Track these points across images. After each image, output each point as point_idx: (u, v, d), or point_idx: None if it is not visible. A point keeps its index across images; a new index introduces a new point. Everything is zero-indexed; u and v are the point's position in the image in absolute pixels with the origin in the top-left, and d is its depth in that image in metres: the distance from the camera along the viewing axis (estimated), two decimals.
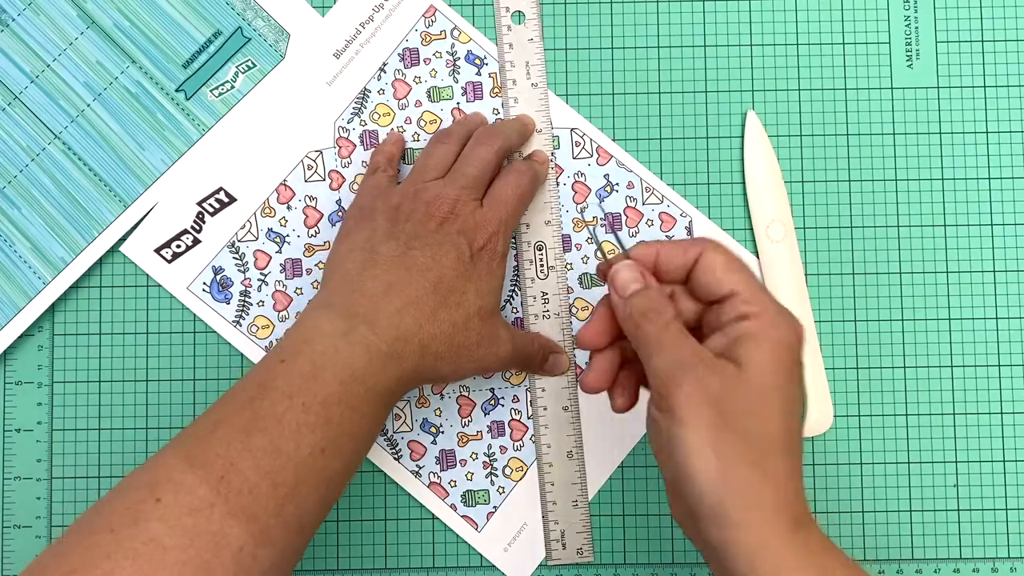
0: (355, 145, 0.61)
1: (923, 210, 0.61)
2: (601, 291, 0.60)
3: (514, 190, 0.55)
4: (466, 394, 0.60)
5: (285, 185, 0.61)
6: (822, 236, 0.61)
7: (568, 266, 0.60)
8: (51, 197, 0.60)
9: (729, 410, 0.41)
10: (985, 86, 0.61)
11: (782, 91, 0.61)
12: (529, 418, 0.60)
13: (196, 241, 0.60)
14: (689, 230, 0.61)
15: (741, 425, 0.41)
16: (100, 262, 0.60)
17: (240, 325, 0.60)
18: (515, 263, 0.60)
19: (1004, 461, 0.60)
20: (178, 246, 0.60)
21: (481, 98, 0.61)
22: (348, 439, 0.47)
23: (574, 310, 0.60)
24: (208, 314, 0.60)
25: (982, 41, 0.61)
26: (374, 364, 0.48)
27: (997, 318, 0.60)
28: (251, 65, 0.60)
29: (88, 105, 0.60)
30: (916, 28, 0.62)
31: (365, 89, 0.61)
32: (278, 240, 0.60)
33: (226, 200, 0.60)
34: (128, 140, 0.60)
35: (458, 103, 0.61)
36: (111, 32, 0.60)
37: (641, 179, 0.61)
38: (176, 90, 0.60)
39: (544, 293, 0.60)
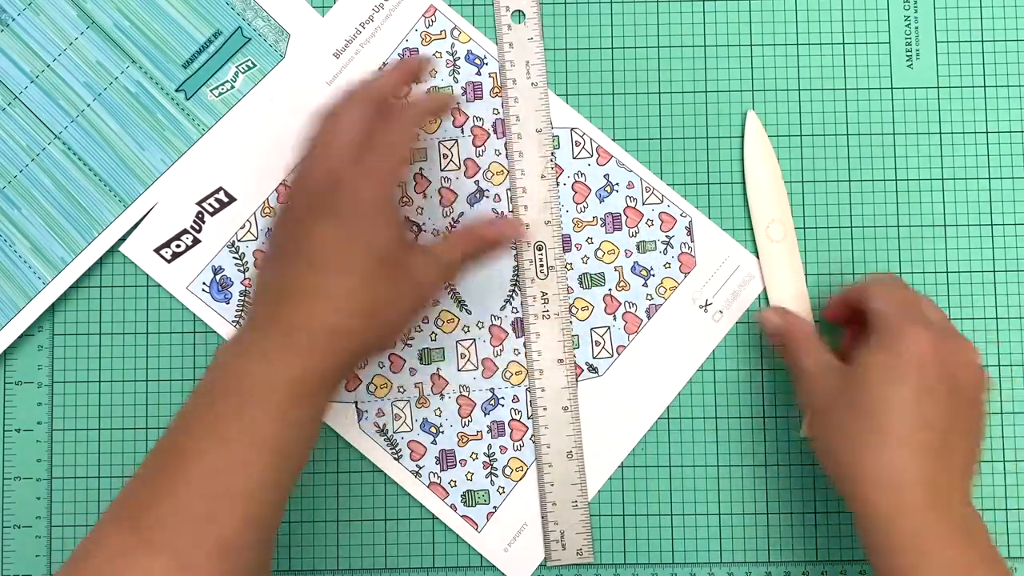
0: None
1: (923, 210, 0.61)
2: (601, 290, 0.60)
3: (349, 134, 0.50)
4: (466, 394, 0.60)
5: (285, 185, 0.61)
6: (822, 236, 0.61)
7: (568, 266, 0.60)
8: (51, 197, 0.60)
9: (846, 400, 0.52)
10: (985, 86, 0.61)
11: (782, 91, 0.61)
12: (529, 418, 0.60)
13: (196, 241, 0.60)
14: (689, 230, 0.61)
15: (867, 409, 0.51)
16: (100, 262, 0.60)
17: (240, 325, 0.60)
18: (515, 263, 0.60)
19: (1004, 461, 0.60)
20: (178, 246, 0.60)
21: (481, 98, 0.61)
22: (255, 452, 0.46)
23: (574, 310, 0.60)
24: (208, 314, 0.60)
25: (982, 41, 0.61)
26: (264, 367, 0.47)
27: (997, 318, 0.60)
28: (251, 65, 0.60)
29: (88, 105, 0.60)
30: (916, 28, 0.62)
31: None
32: None
33: (226, 200, 0.60)
34: (128, 140, 0.60)
35: (458, 103, 0.61)
36: (111, 32, 0.60)
37: (641, 179, 0.61)
38: (176, 90, 0.60)
39: (544, 293, 0.60)
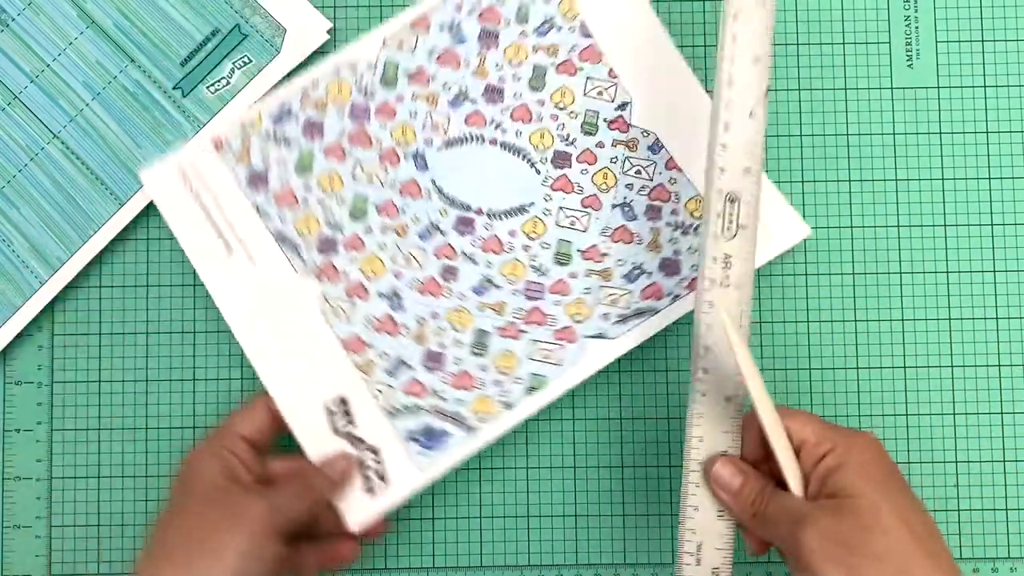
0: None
1: (923, 210, 0.61)
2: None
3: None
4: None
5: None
6: (822, 236, 0.61)
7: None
8: (49, 197, 0.59)
9: (851, 540, 0.45)
10: (985, 86, 0.61)
11: (782, 91, 0.61)
12: None
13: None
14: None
15: (868, 548, 0.44)
16: (99, 262, 0.60)
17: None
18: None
19: (1004, 461, 0.60)
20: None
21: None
22: None
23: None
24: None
25: (982, 41, 0.61)
26: None
27: (997, 318, 0.60)
28: (247, 61, 0.60)
29: (87, 104, 0.60)
30: (916, 28, 0.62)
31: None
32: None
33: None
34: (125, 139, 0.60)
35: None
36: (111, 32, 0.60)
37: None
38: (173, 88, 0.60)
39: (728, 256, 0.50)
